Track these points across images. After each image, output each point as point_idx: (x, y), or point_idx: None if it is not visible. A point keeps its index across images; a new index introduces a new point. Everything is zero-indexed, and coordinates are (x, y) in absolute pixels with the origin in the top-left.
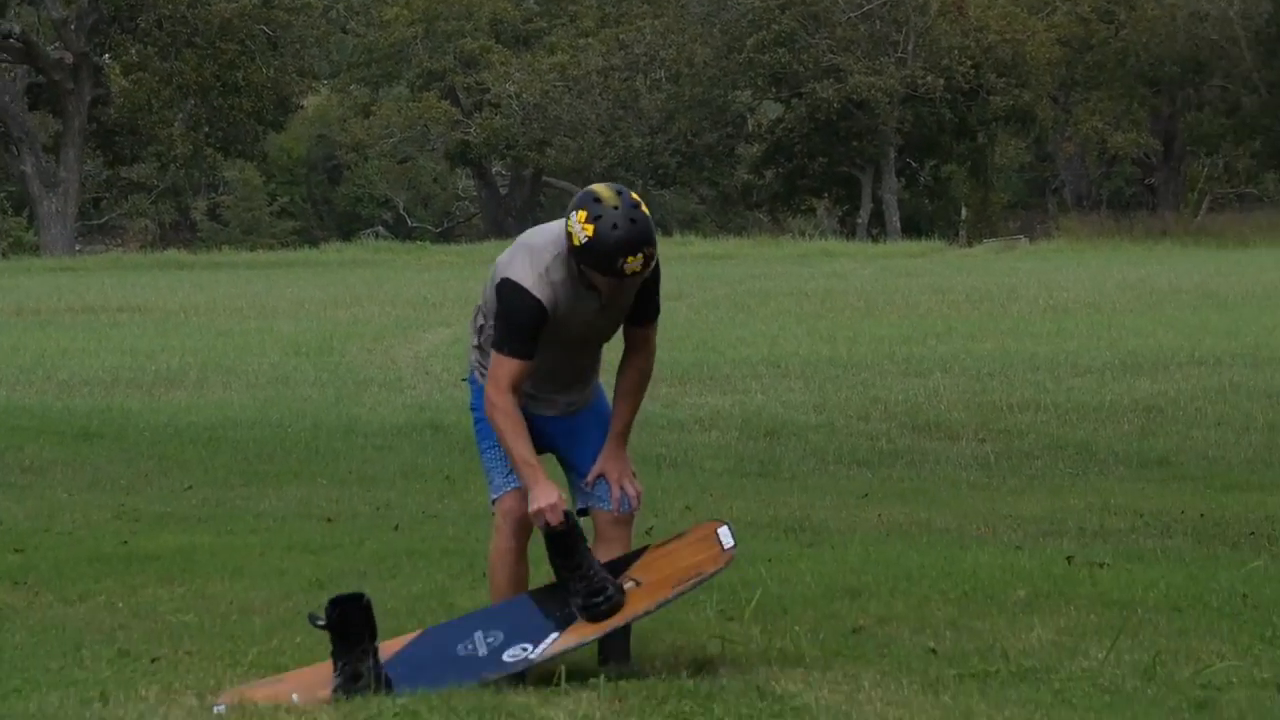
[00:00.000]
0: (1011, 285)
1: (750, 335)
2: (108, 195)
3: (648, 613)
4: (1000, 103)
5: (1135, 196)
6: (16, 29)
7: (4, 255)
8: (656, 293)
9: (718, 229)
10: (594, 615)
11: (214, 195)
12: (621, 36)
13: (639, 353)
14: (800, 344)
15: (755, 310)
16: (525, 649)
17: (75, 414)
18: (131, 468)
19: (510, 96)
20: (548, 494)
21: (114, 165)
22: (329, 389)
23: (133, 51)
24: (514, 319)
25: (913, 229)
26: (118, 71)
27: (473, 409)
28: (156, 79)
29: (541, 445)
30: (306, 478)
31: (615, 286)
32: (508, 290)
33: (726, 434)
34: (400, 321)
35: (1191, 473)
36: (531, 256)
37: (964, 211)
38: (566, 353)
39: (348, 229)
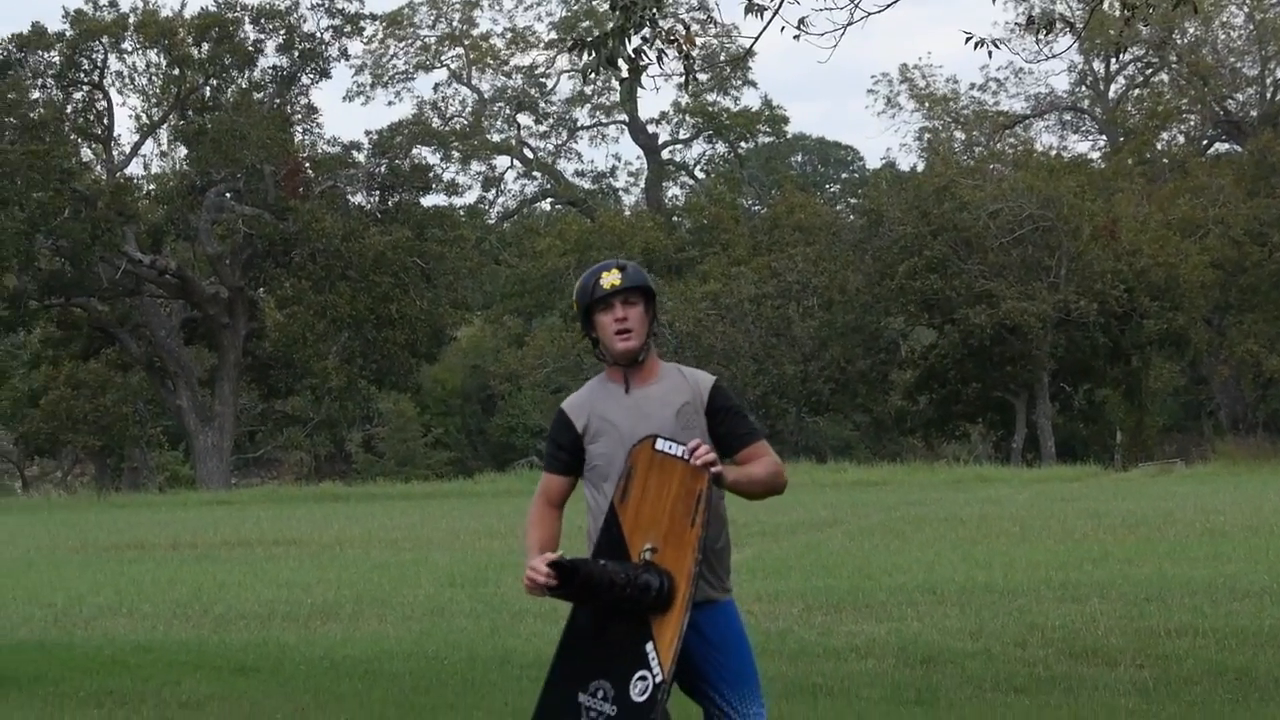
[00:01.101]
0: (1168, 509)
1: (905, 562)
2: (263, 428)
3: (698, 562)
4: (1154, 326)
5: None
6: (173, 264)
7: (161, 489)
8: (744, 417)
9: (872, 455)
10: (662, 604)
11: (369, 427)
12: (773, 264)
13: (763, 459)
14: (956, 570)
15: (910, 537)
16: (644, 676)
17: (231, 648)
18: (289, 702)
19: (664, 325)
20: (532, 562)
21: (269, 398)
22: (484, 620)
23: (287, 285)
24: (549, 435)
25: (1068, 453)
26: (272, 305)
27: None
28: (311, 312)
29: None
30: (462, 710)
31: (622, 337)
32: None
33: (883, 662)
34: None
35: None
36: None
37: (1119, 435)
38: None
39: (502, 459)
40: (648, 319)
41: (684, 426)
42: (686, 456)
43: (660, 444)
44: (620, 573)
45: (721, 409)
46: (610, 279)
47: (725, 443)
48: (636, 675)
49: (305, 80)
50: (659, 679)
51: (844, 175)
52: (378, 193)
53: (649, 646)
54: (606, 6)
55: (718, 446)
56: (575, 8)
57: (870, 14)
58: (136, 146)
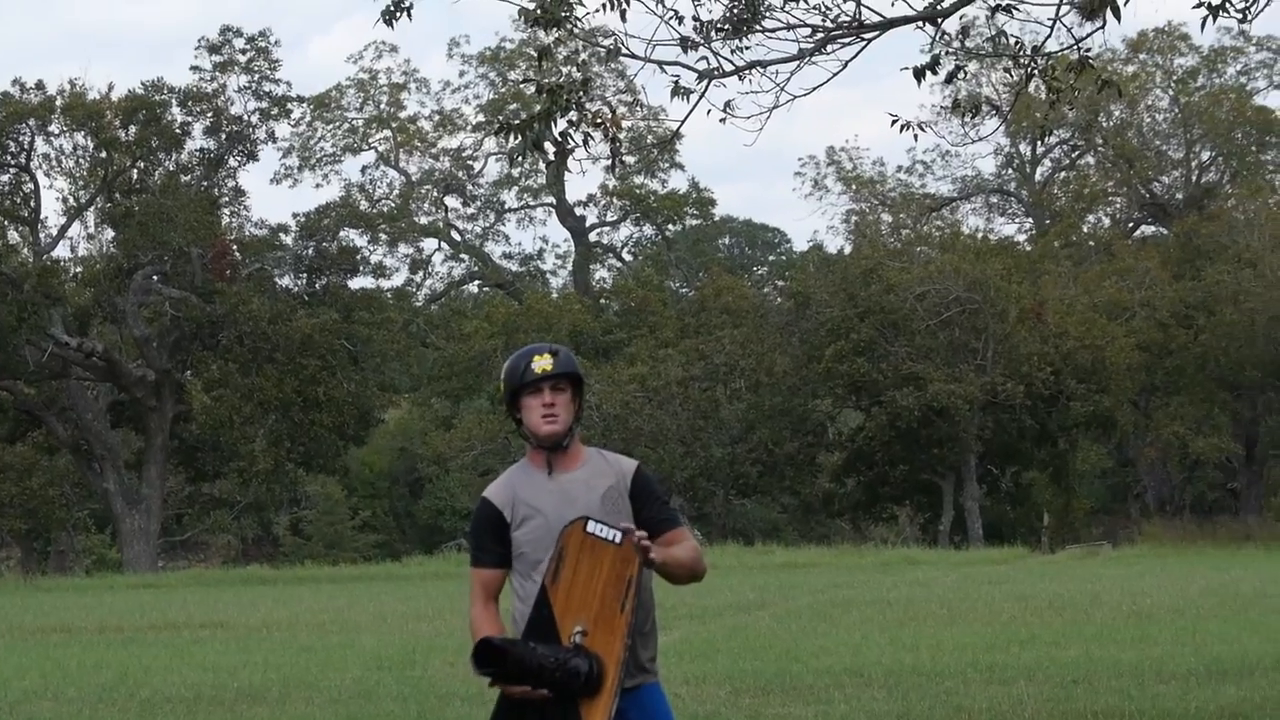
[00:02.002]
0: (1094, 591)
1: (833, 644)
2: (190, 511)
3: (627, 647)
4: (1081, 409)
5: (1218, 501)
6: (100, 347)
7: (87, 572)
8: (665, 504)
9: (800, 538)
10: (591, 688)
11: (296, 510)
12: (701, 346)
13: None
14: (883, 652)
15: (838, 619)
16: None
17: None
18: None
19: (591, 407)
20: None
21: (196, 481)
22: (411, 704)
23: (214, 368)
24: (472, 528)
25: (995, 535)
26: (199, 388)
27: None
28: (238, 395)
29: None
30: None
31: (548, 420)
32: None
33: None
34: None
35: None
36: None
37: (1046, 518)
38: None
39: (430, 542)
40: (574, 405)
41: (610, 510)
42: (618, 540)
43: (592, 526)
44: (550, 657)
45: (644, 494)
46: (541, 364)
47: (647, 527)
48: None
49: (233, 163)
50: None
51: (771, 257)
52: (305, 275)
53: None
54: (533, 90)
55: (650, 531)
56: (503, 91)
57: (796, 97)
58: (63, 229)
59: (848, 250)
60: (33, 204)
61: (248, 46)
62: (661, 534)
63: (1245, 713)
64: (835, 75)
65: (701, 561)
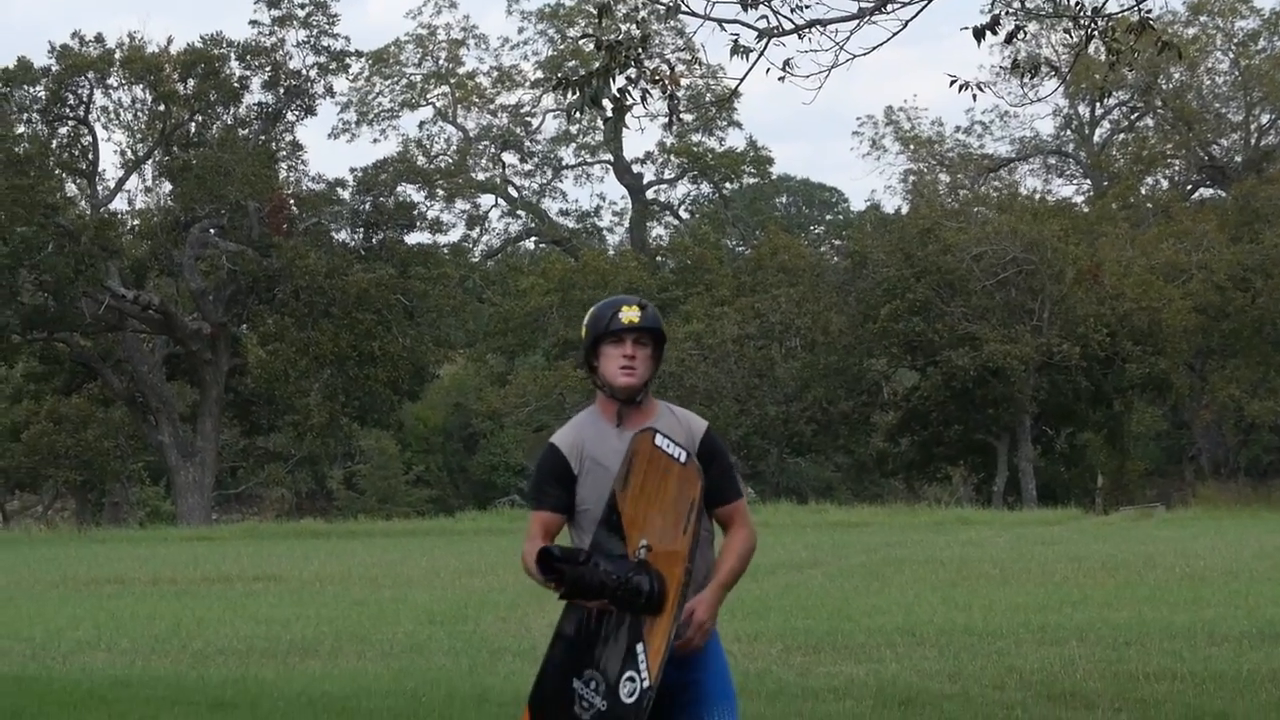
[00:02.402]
0: (1148, 553)
1: (885, 603)
2: (244, 464)
3: (687, 571)
4: (1136, 370)
5: (1273, 464)
6: (156, 300)
7: (141, 525)
8: (730, 472)
9: (853, 497)
10: (653, 607)
11: (350, 464)
12: (757, 305)
13: (736, 527)
14: (935, 612)
15: (890, 578)
16: (632, 678)
17: (209, 684)
18: None
19: None
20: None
21: (250, 435)
22: (463, 658)
23: (270, 322)
24: (536, 471)
25: (1048, 497)
26: (255, 342)
27: None
28: (293, 349)
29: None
30: None
31: (625, 372)
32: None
33: (861, 703)
34: (534, 590)
35: None
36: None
37: (1100, 479)
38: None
39: (483, 497)
40: (653, 362)
41: None
42: (683, 460)
43: (659, 440)
44: (612, 574)
45: (711, 457)
46: (629, 315)
47: (709, 490)
48: (626, 675)
49: (290, 117)
50: (645, 684)
51: (828, 217)
52: (362, 230)
53: (640, 647)
54: (592, 46)
55: (710, 500)
56: (561, 47)
57: (855, 56)
58: (121, 182)
59: (905, 210)
60: (91, 157)
61: (306, 1)
62: (721, 504)
63: None
64: (895, 35)
65: (752, 549)
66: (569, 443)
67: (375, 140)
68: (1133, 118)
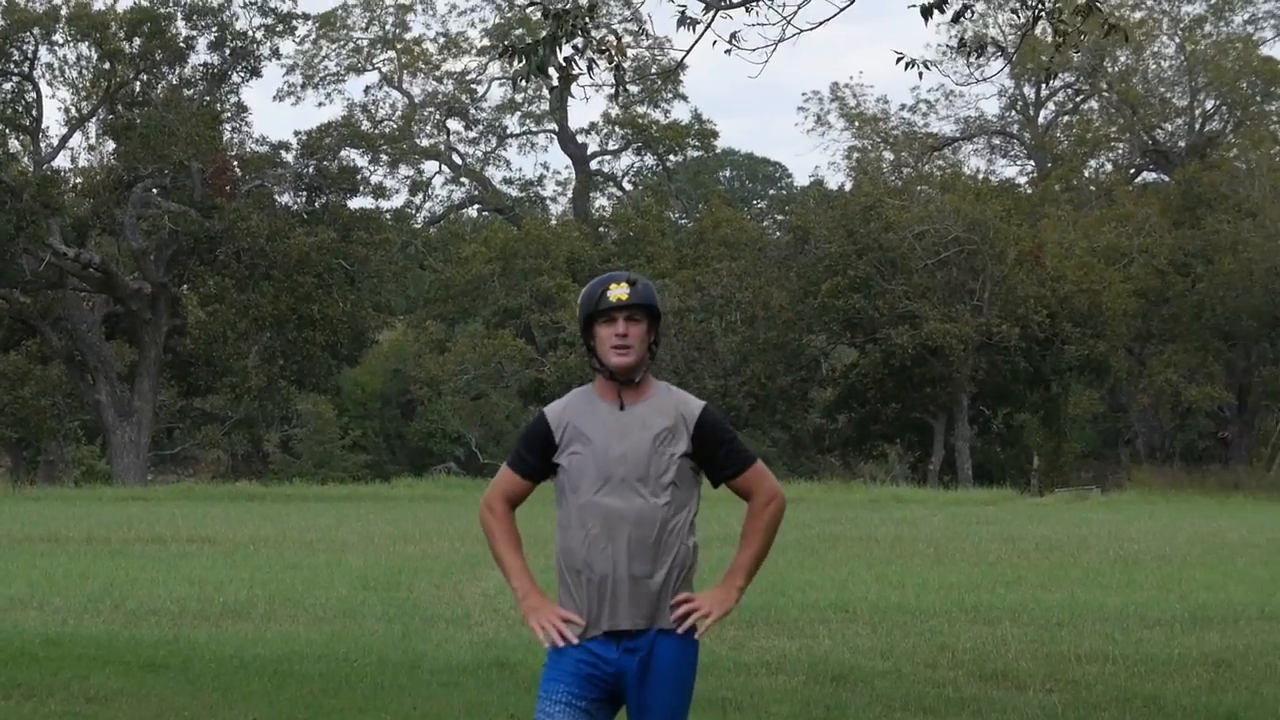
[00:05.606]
0: (1082, 535)
1: (819, 580)
2: (181, 425)
3: None
4: (1075, 352)
5: (1208, 450)
6: (96, 258)
7: (76, 484)
8: (734, 445)
9: (789, 472)
10: None
11: (287, 428)
12: (698, 278)
13: (756, 495)
14: (869, 589)
15: (824, 555)
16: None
17: (141, 644)
18: (196, 699)
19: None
20: (548, 612)
21: (188, 396)
22: (396, 624)
23: (210, 283)
24: (521, 433)
25: (984, 477)
26: (195, 302)
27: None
28: (233, 311)
29: (608, 688)
30: (371, 713)
31: (618, 352)
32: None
33: (793, 678)
34: (469, 558)
35: None
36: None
37: (1036, 460)
38: (619, 493)
39: (419, 464)
40: (648, 339)
41: (658, 452)
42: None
43: None
44: None
45: (712, 438)
46: (618, 292)
47: (720, 470)
48: None
49: (236, 78)
50: None
51: (771, 192)
52: (304, 193)
53: None
54: (539, 15)
55: (711, 474)
56: (509, 15)
57: (802, 31)
58: (64, 139)
59: (848, 187)
60: (34, 113)
61: None
62: (734, 478)
63: (1228, 660)
64: (842, 10)
65: (780, 511)
66: (556, 414)
67: (320, 104)
68: (1078, 100)
